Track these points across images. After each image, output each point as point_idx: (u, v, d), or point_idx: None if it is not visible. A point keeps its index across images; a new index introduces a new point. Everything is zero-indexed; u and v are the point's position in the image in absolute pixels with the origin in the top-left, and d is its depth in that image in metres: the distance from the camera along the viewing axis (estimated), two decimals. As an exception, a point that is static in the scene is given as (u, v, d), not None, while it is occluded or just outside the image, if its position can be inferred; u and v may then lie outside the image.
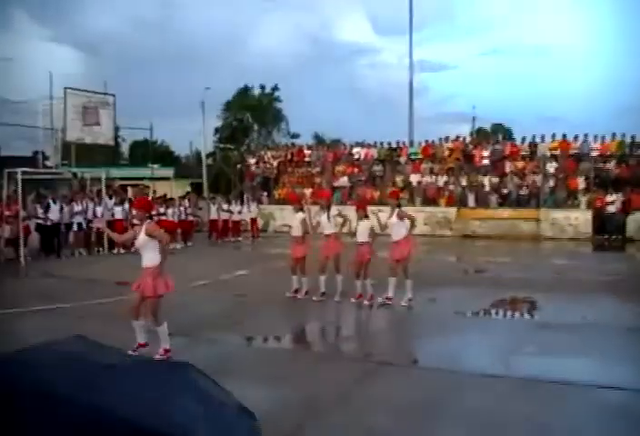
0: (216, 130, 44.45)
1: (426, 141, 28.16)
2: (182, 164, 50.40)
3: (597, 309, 9.88)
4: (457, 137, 28.01)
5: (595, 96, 67.02)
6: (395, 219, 10.33)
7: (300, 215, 11.10)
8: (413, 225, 10.46)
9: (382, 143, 28.88)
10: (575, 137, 24.93)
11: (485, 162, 25.67)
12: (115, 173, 29.12)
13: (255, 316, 9.70)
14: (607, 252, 19.59)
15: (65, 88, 27.48)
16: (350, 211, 11.07)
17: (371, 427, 5.25)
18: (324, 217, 10.96)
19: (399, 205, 10.62)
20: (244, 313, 9.93)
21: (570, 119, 69.94)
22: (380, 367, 6.93)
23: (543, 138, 25.54)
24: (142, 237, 7.13)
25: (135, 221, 8.51)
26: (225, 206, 22.77)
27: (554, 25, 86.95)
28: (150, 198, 18.09)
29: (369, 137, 31.06)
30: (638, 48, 77.53)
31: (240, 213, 23.21)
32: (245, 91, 43.98)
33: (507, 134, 41.57)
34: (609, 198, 21.87)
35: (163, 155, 48.48)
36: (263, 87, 43.94)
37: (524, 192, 24.07)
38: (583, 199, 22.81)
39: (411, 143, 28.75)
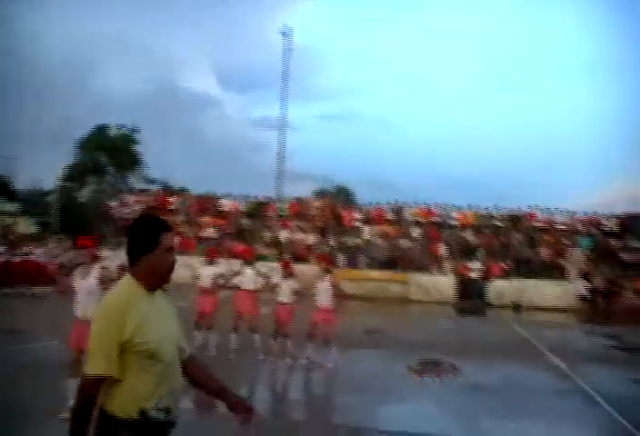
0: (69, 167, 41.70)
1: (296, 198, 28.44)
2: (21, 200, 46.61)
3: (515, 372, 10.19)
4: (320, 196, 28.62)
5: (424, 168, 71.85)
6: (324, 283, 10.03)
7: (212, 268, 10.61)
8: (337, 291, 10.18)
9: (250, 197, 28.75)
10: (437, 206, 26.42)
11: (356, 224, 26.28)
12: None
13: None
14: (474, 317, 20.51)
15: None
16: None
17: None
18: (247, 272, 10.50)
19: (329, 271, 10.43)
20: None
21: (399, 187, 74.10)
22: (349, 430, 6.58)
23: (408, 205, 26.78)
24: (92, 281, 6.32)
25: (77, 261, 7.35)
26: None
27: (394, 99, 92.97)
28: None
29: (215, 188, 30.89)
30: (470, 124, 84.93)
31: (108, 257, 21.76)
32: (102, 130, 41.89)
33: (349, 197, 42.94)
34: (471, 265, 23.15)
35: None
36: (121, 128, 42.19)
37: (389, 254, 24.83)
38: (447, 265, 23.93)
39: (280, 200, 28.87)
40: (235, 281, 10.54)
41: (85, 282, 6.35)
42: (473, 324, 18.11)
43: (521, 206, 26.67)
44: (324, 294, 10.00)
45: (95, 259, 6.60)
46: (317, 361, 9.84)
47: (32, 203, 43.19)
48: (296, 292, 10.23)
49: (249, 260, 10.84)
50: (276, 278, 10.52)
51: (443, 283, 23.35)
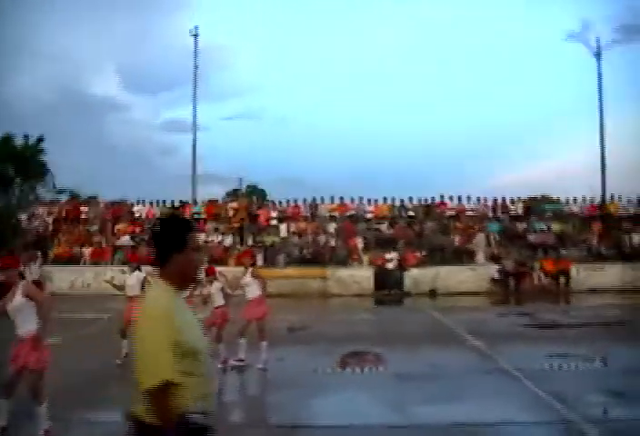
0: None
1: (210, 201, 28.23)
2: None
3: (439, 357, 10.55)
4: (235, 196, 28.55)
5: (333, 162, 72.40)
6: (249, 278, 10.12)
7: (138, 274, 10.47)
8: (265, 285, 10.32)
9: (164, 202, 28.33)
10: (352, 200, 26.84)
11: (272, 222, 26.35)
12: None
13: (104, 388, 8.68)
14: (393, 306, 21.00)
15: None
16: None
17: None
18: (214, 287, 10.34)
19: (253, 265, 10.51)
20: (91, 387, 8.81)
21: (308, 182, 74.72)
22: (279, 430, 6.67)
23: (322, 199, 27.06)
24: (18, 299, 6.13)
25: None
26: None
27: (297, 95, 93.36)
28: None
29: (127, 194, 30.26)
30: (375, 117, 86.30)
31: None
32: (6, 140, 40.01)
33: (262, 196, 42.85)
34: (387, 256, 23.68)
35: None
36: (27, 137, 40.50)
37: (307, 251, 25.06)
38: (364, 257, 24.37)
39: (195, 202, 28.57)
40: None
41: (14, 302, 6.13)
42: (393, 314, 18.57)
43: (434, 196, 27.46)
44: (251, 287, 10.06)
45: (21, 277, 6.39)
46: (247, 363, 9.86)
47: None
48: (225, 293, 10.21)
49: (136, 264, 10.84)
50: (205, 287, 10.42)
51: (361, 276, 23.76)
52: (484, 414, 7.02)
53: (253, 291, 10.11)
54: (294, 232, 25.98)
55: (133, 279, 10.46)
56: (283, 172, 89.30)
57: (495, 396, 7.93)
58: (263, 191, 49.51)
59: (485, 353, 10.69)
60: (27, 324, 6.11)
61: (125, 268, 10.97)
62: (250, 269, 10.31)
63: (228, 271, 22.69)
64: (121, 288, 10.78)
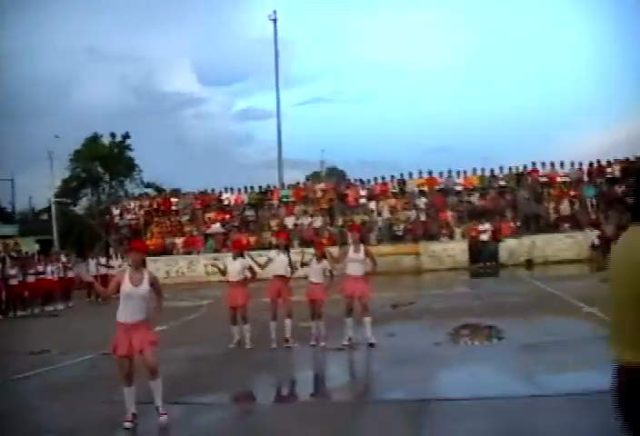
0: (64, 181, 41.67)
1: (297, 183, 28.48)
2: (17, 221, 46.49)
3: (556, 325, 10.27)
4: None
5: (408, 138, 71.46)
6: (360, 254, 9.93)
7: (242, 261, 10.56)
8: (375, 263, 10.20)
9: (252, 188, 28.76)
10: (440, 173, 26.45)
11: (361, 201, 26.32)
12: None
13: (220, 372, 8.90)
14: (491, 279, 20.61)
15: None
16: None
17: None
18: (280, 258, 10.52)
19: (362, 241, 10.42)
20: (208, 371, 9.02)
21: (388, 161, 74.39)
22: (420, 404, 6.64)
23: (410, 175, 26.80)
24: (145, 287, 6.33)
25: (128, 267, 7.03)
26: (102, 261, 21.33)
27: (372, 73, 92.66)
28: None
29: (207, 185, 30.79)
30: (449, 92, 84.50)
31: (120, 267, 21.79)
32: (94, 140, 41.79)
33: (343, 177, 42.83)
34: (481, 228, 23.25)
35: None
36: (113, 135, 42.11)
37: (398, 227, 24.92)
38: (457, 230, 24.03)
39: (282, 187, 28.88)
40: (268, 269, 10.59)
41: (139, 289, 6.30)
42: (495, 285, 18.19)
43: (525, 164, 26.67)
44: (357, 264, 9.89)
45: (144, 263, 6.57)
46: (356, 341, 9.81)
47: (29, 222, 43.19)
48: (328, 272, 10.25)
49: (238, 251, 10.85)
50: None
51: (455, 249, 23.50)
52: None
53: (357, 267, 9.94)
54: (383, 210, 25.87)
55: (237, 265, 10.48)
56: (361, 154, 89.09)
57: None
58: (343, 172, 49.59)
59: (604, 320, 10.33)
60: (144, 311, 6.35)
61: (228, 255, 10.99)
62: (361, 245, 10.11)
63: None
64: (224, 273, 10.81)
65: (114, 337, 6.31)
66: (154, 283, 6.40)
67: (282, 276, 10.42)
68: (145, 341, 6.20)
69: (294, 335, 10.26)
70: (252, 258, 10.84)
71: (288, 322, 10.25)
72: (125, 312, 6.30)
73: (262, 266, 10.70)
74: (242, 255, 10.77)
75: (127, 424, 6.19)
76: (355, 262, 9.94)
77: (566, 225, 23.78)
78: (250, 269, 10.52)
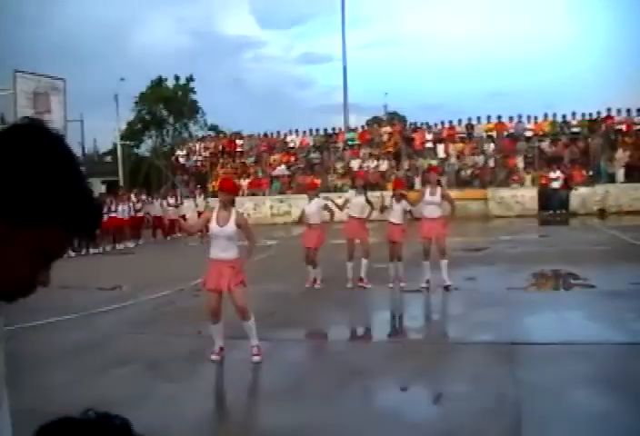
0: (129, 124, 42.28)
1: (362, 126, 28.18)
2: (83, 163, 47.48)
3: (635, 275, 10.04)
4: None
5: (470, 81, 69.39)
6: (436, 197, 9.78)
7: (319, 202, 10.52)
8: (454, 206, 10.12)
9: (317, 130, 28.62)
10: (510, 118, 25.72)
11: (427, 145, 25.94)
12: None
13: (305, 311, 9.08)
14: (562, 226, 20.21)
15: (15, 71, 23.61)
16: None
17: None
18: (357, 200, 10.51)
19: (439, 183, 10.31)
20: (286, 308, 9.24)
21: (451, 105, 72.63)
22: (510, 347, 6.68)
23: (479, 119, 26.17)
24: (232, 227, 6.39)
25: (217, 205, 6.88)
26: (171, 201, 21.71)
27: (434, 14, 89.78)
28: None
29: (262, 128, 30.73)
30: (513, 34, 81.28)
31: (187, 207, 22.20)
32: (159, 82, 42.11)
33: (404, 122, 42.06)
34: (552, 175, 22.71)
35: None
36: (177, 78, 42.31)
37: (466, 172, 24.56)
38: (527, 177, 23.54)
39: (348, 129, 28.65)
40: (345, 210, 10.63)
41: (224, 229, 6.38)
42: (567, 233, 17.81)
43: (599, 110, 25.53)
44: (434, 207, 9.79)
45: (233, 203, 6.62)
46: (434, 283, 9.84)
47: (95, 164, 44.02)
48: (408, 213, 10.23)
49: (313, 192, 10.85)
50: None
51: (524, 196, 23.06)
52: None
53: (433, 209, 9.80)
54: (451, 155, 25.44)
55: (312, 207, 10.43)
56: (423, 98, 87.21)
57: None
58: (404, 117, 48.77)
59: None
60: (232, 250, 6.41)
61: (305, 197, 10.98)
62: (438, 188, 9.96)
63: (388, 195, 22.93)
64: (301, 216, 10.75)
65: (206, 272, 6.48)
66: (240, 224, 6.43)
67: (359, 217, 10.46)
68: (232, 280, 6.28)
69: (368, 276, 10.34)
70: (332, 201, 10.87)
71: (365, 261, 10.30)
72: (214, 250, 6.45)
73: (340, 208, 10.75)
74: (317, 196, 10.80)
75: (214, 357, 6.40)
76: (431, 204, 9.82)
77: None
78: (327, 208, 10.56)
